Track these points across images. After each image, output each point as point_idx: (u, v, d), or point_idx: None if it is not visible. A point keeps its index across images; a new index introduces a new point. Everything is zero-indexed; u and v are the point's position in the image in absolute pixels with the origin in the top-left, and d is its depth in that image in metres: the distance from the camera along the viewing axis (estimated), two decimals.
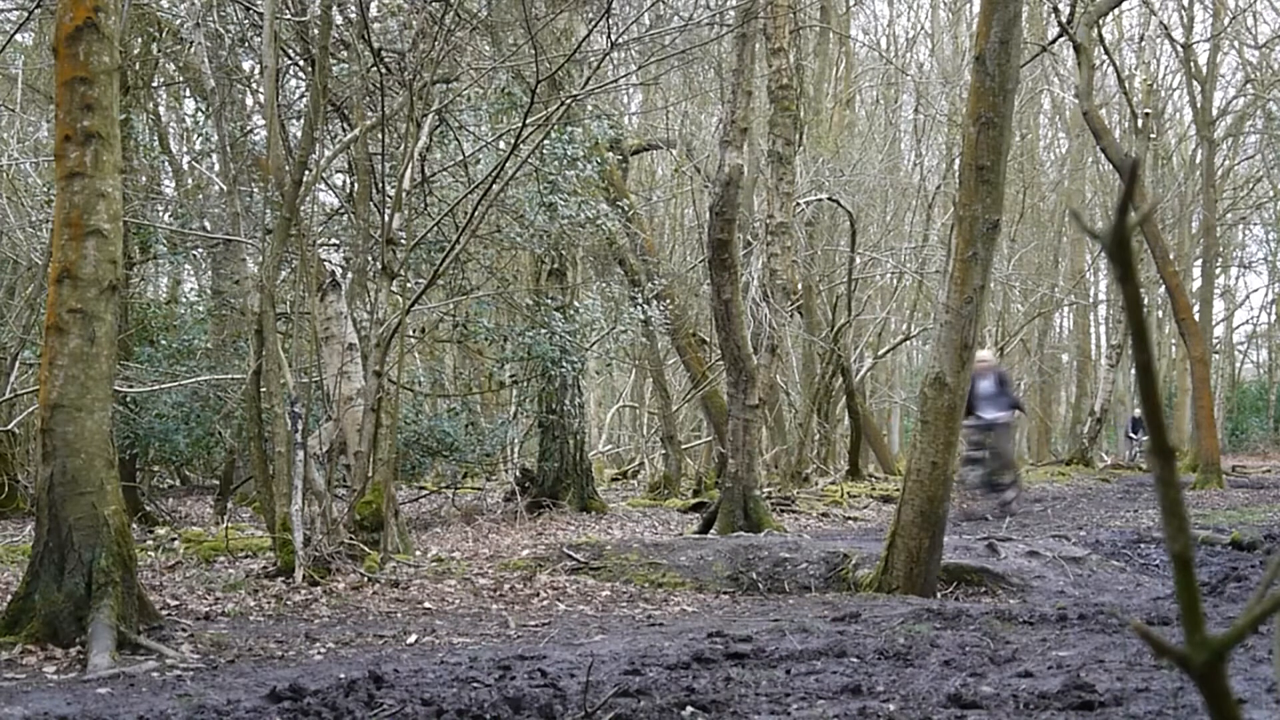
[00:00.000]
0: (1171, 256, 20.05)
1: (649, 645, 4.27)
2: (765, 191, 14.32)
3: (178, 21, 10.48)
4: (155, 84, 12.92)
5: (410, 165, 7.46)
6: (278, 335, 6.73)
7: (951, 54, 24.23)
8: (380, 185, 8.02)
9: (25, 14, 10.63)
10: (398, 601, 5.76)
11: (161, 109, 13.83)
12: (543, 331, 11.06)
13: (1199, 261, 25.36)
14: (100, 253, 4.52)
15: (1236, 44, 27.01)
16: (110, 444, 4.57)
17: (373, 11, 8.79)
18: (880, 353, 21.32)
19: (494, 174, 7.66)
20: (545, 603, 5.87)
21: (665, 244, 20.71)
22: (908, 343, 23.31)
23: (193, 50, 9.63)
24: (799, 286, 14.93)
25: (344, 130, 8.88)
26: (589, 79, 10.27)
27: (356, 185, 8.26)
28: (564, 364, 11.15)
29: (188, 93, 13.56)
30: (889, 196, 22.26)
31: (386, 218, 7.28)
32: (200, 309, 14.05)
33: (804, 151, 16.20)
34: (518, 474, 12.60)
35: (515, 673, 3.72)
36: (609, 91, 14.15)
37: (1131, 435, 25.88)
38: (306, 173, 6.76)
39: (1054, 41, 16.68)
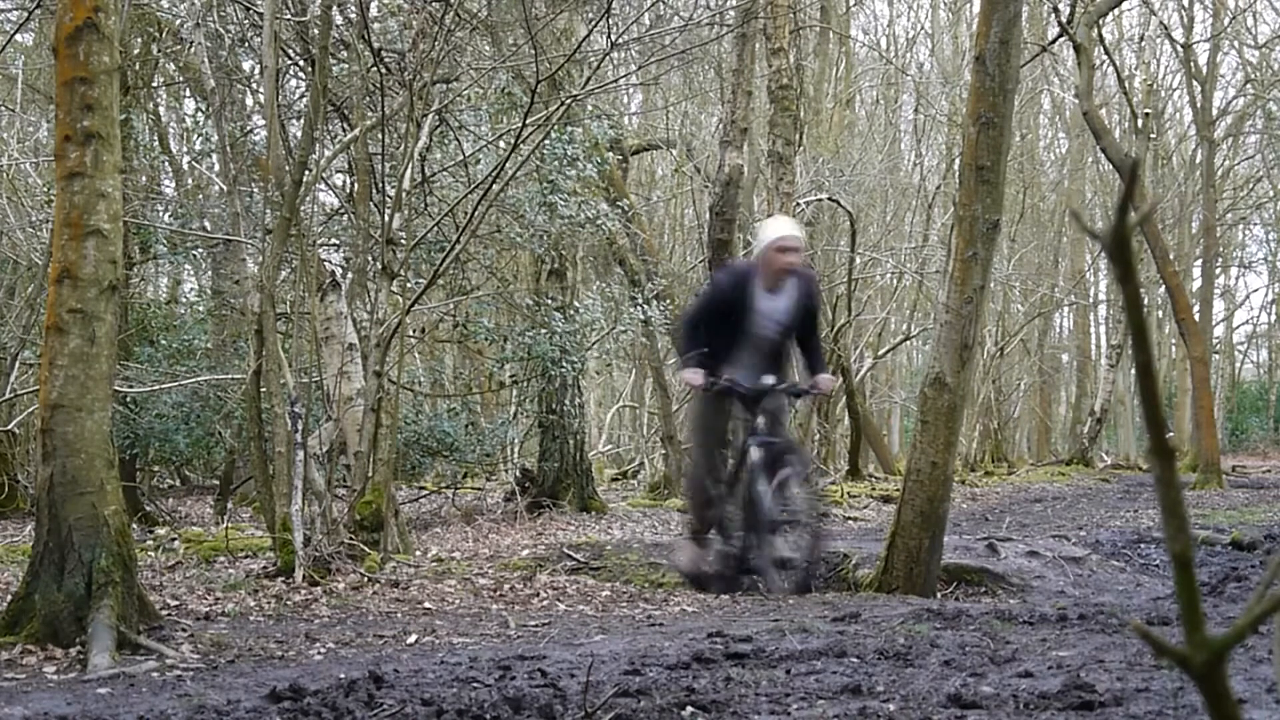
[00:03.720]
0: (1171, 256, 20.06)
1: (649, 645, 4.27)
2: (765, 191, 14.32)
3: (178, 21, 10.48)
4: (155, 84, 12.92)
5: (410, 165, 7.46)
6: (278, 335, 6.73)
7: (951, 54, 24.22)
8: (380, 185, 8.02)
9: (25, 14, 10.62)
10: (398, 601, 5.76)
11: (161, 109, 13.83)
12: (543, 331, 11.06)
13: (1199, 261, 25.37)
14: (100, 253, 4.52)
15: (1236, 44, 27.00)
16: (110, 444, 4.57)
17: (373, 11, 8.79)
18: (880, 353, 21.32)
19: (494, 174, 7.66)
20: (545, 603, 5.87)
21: (665, 244, 20.71)
22: (908, 343, 23.32)
23: (193, 50, 9.63)
24: None
25: (344, 130, 8.89)
26: (589, 79, 10.27)
27: (356, 185, 8.26)
28: (564, 364, 11.15)
29: (188, 93, 13.56)
30: (889, 196, 22.26)
31: (386, 218, 7.28)
32: (200, 309, 14.06)
33: (804, 151, 16.19)
34: (518, 474, 12.60)
35: (515, 673, 3.72)
36: (609, 91, 14.15)
37: None
38: (306, 173, 6.76)
39: (1054, 41, 16.68)
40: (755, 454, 6.03)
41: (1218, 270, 29.60)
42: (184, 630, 4.72)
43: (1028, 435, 32.51)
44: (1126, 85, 20.21)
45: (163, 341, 11.75)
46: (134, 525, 8.02)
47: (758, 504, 5.89)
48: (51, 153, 5.74)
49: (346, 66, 8.37)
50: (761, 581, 5.97)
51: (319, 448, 7.64)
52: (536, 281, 12.17)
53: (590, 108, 11.97)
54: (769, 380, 6.19)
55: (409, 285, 8.21)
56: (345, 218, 9.48)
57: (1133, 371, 1.45)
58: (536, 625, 5.13)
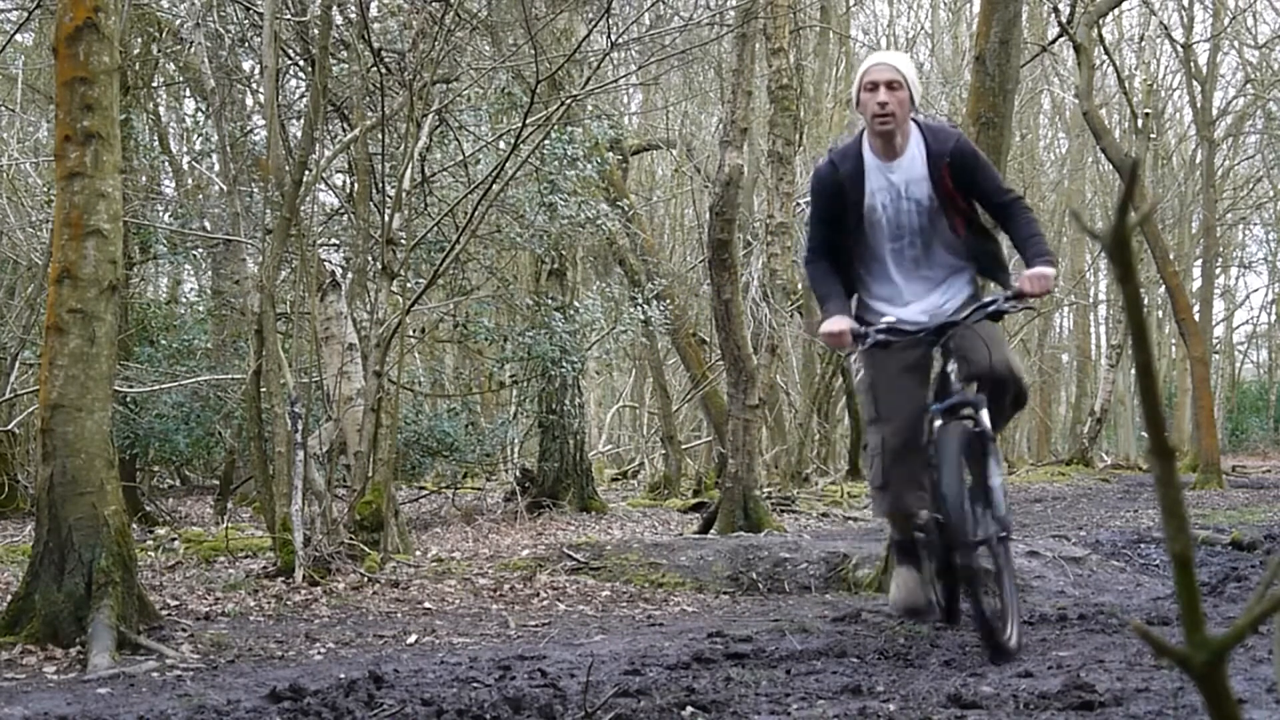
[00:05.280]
0: (1171, 256, 20.05)
1: (649, 645, 4.27)
2: (765, 191, 14.31)
3: (178, 21, 10.48)
4: (155, 84, 12.92)
5: (410, 165, 7.46)
6: (278, 335, 6.73)
7: (951, 54, 24.23)
8: (380, 185, 8.02)
9: (25, 14, 10.62)
10: (398, 601, 5.76)
11: (161, 109, 13.83)
12: (543, 331, 11.06)
13: (1199, 261, 25.34)
14: (100, 253, 4.52)
15: (1236, 44, 27.00)
16: (110, 444, 4.57)
17: (373, 11, 8.79)
18: None
19: (494, 174, 7.66)
20: (545, 603, 5.87)
21: (665, 244, 20.71)
22: None
23: (193, 50, 9.63)
24: (799, 286, 14.94)
25: (344, 130, 8.89)
26: (589, 79, 10.27)
27: (356, 185, 8.26)
28: (564, 364, 11.15)
29: (188, 93, 13.56)
30: None
31: (386, 218, 7.28)
32: (200, 309, 14.07)
33: (804, 151, 16.19)
34: (518, 474, 12.60)
35: (515, 673, 3.72)
36: (609, 91, 14.15)
37: None
38: (306, 173, 6.76)
39: (1054, 41, 16.67)
40: (946, 432, 3.85)
41: (1218, 270, 29.59)
42: (184, 630, 4.72)
43: (1028, 435, 32.49)
44: (1126, 85, 20.21)
45: (163, 341, 11.76)
46: (134, 525, 8.02)
47: (949, 511, 3.73)
48: (51, 153, 5.75)
49: (346, 66, 8.37)
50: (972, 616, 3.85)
51: (319, 448, 7.64)
52: (536, 281, 12.17)
53: (590, 108, 11.97)
54: (946, 305, 4.11)
55: (409, 285, 8.20)
56: (345, 218, 9.49)
57: (1133, 371, 1.46)
58: (536, 625, 5.13)
